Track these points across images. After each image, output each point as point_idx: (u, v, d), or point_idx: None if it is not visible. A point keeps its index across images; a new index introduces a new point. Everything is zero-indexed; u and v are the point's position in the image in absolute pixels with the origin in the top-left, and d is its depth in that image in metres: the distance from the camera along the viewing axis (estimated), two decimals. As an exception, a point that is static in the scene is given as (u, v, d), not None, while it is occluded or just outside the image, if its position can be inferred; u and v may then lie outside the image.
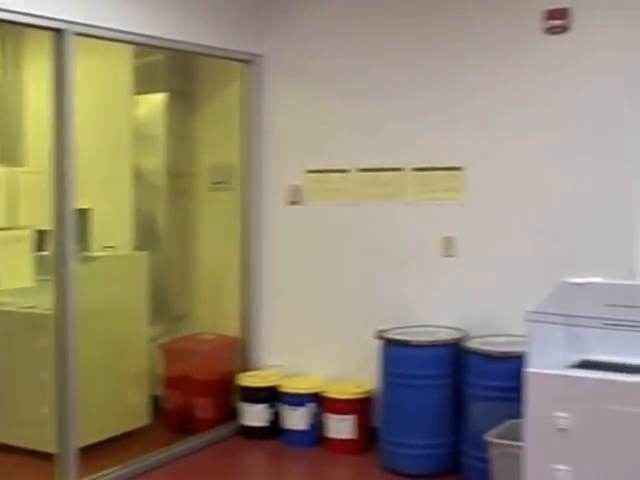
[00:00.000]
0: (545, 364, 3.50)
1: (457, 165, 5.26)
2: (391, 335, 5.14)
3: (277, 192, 5.92)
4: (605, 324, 3.60)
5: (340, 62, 5.63)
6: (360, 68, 5.56)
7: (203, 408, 5.79)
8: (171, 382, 5.88)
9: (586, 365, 3.63)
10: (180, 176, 6.32)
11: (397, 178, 5.49)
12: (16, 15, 4.23)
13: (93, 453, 4.94)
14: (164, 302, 6.18)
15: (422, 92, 5.35)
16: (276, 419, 5.65)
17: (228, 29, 5.63)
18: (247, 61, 5.86)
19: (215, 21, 5.52)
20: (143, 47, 5.40)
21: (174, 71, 6.26)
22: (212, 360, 5.96)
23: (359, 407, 5.41)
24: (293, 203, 5.87)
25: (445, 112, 5.28)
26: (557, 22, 4.92)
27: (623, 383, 3.38)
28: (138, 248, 5.93)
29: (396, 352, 5.08)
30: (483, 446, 4.29)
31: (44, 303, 5.03)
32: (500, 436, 4.24)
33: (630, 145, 4.70)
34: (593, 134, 4.81)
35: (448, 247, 5.31)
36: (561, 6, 4.88)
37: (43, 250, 5.69)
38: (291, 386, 5.60)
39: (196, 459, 5.32)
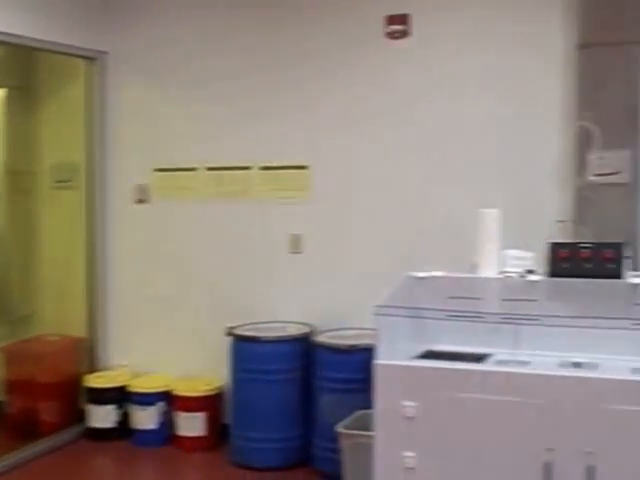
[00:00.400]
0: (392, 355, 3.64)
1: (303, 164, 5.38)
2: (240, 331, 5.19)
3: (123, 191, 5.84)
4: (448, 315, 3.80)
5: (186, 60, 5.63)
6: (208, 67, 5.57)
7: (48, 411, 5.63)
8: (13, 386, 5.69)
9: (431, 355, 3.81)
10: (20, 174, 6.11)
11: (245, 177, 5.55)
12: None
13: None
14: (5, 304, 5.97)
15: (268, 93, 5.43)
16: (125, 420, 5.58)
17: (71, 25, 5.50)
18: (91, 58, 5.74)
19: (57, 16, 5.37)
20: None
21: (13, 66, 6.03)
22: (57, 362, 5.81)
23: (209, 404, 5.43)
24: (140, 202, 5.81)
25: (291, 113, 5.39)
26: (398, 27, 5.12)
27: (465, 371, 3.56)
28: (-26, 249, 5.70)
29: (245, 348, 5.14)
30: (334, 437, 4.42)
31: None
32: (350, 427, 4.39)
33: (468, 147, 4.96)
34: (434, 135, 5.05)
35: (296, 244, 5.42)
36: (401, 12, 5.09)
37: None
38: (140, 385, 5.55)
39: (41, 464, 5.18)
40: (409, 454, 3.55)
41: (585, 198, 4.56)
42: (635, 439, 3.24)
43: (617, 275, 3.69)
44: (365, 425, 4.05)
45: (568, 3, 4.69)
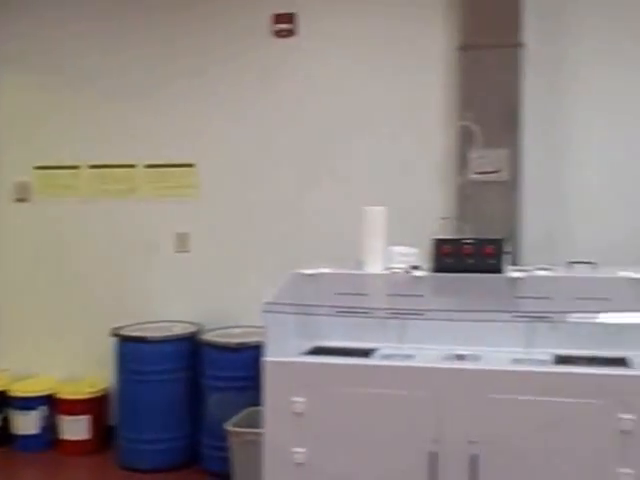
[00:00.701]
0: (281, 352, 3.65)
1: (189, 162, 5.33)
2: (126, 332, 5.10)
3: (1, 189, 5.64)
4: (335, 312, 3.83)
5: (68, 58, 5.49)
6: (90, 64, 5.45)
7: None
8: None
9: (319, 351, 3.84)
10: None
11: (130, 175, 5.45)
12: None
13: None
14: None
15: (154, 91, 5.35)
16: (6, 425, 5.39)
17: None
18: (-32, 51, 5.53)
19: None
20: None
21: None
22: None
23: (93, 407, 5.31)
24: (20, 200, 5.63)
25: (177, 111, 5.33)
26: (284, 26, 5.14)
27: (352, 366, 3.62)
28: None
29: (131, 349, 5.05)
30: (223, 436, 4.40)
31: None
32: (239, 424, 4.38)
33: (354, 145, 5.03)
34: (320, 133, 5.09)
35: (183, 243, 5.36)
36: (288, 11, 5.11)
37: None
38: (20, 390, 5.38)
39: None
40: (298, 450, 3.56)
41: (467, 196, 4.68)
42: (516, 427, 3.35)
43: (498, 270, 3.81)
44: (254, 422, 4.05)
45: (449, 6, 4.82)
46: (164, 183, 5.40)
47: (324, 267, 4.03)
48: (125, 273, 5.46)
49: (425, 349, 3.73)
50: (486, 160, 4.64)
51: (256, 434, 3.84)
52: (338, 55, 5.06)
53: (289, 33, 5.14)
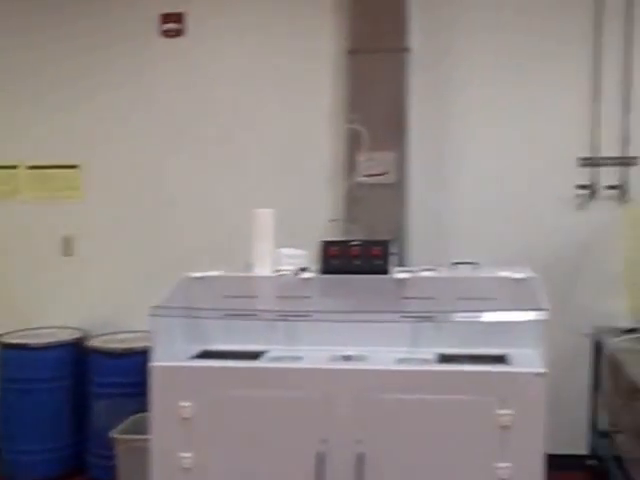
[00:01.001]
0: (169, 357, 3.61)
1: (73, 163, 5.20)
2: (7, 339, 4.94)
3: None
4: (224, 315, 3.80)
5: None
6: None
7: None
8: None
9: (207, 355, 3.80)
10: None
11: (11, 176, 5.28)
12: None
13: None
14: None
15: (37, 90, 5.22)
16: None
17: None
18: None
19: None
20: None
21: None
22: None
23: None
24: None
25: (62, 110, 5.21)
26: (173, 26, 5.09)
27: (240, 369, 3.59)
28: None
29: (12, 356, 4.90)
30: (109, 444, 4.31)
31: None
32: (125, 431, 4.30)
33: (243, 147, 5.02)
34: (208, 136, 5.06)
35: (68, 246, 5.23)
36: (176, 10, 5.06)
37: None
38: None
39: None
40: (186, 455, 3.52)
41: (355, 198, 4.73)
42: (401, 425, 3.41)
43: (384, 271, 3.87)
44: (141, 429, 3.97)
45: (337, 10, 4.87)
46: (48, 185, 5.25)
47: (212, 270, 4.01)
48: (8, 278, 5.29)
49: (313, 350, 3.73)
50: (374, 163, 4.70)
51: (143, 441, 3.77)
52: (227, 56, 5.04)
53: (177, 33, 5.08)
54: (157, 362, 3.55)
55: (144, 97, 5.11)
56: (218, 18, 5.05)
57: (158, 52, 5.10)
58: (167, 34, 5.09)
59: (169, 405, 3.53)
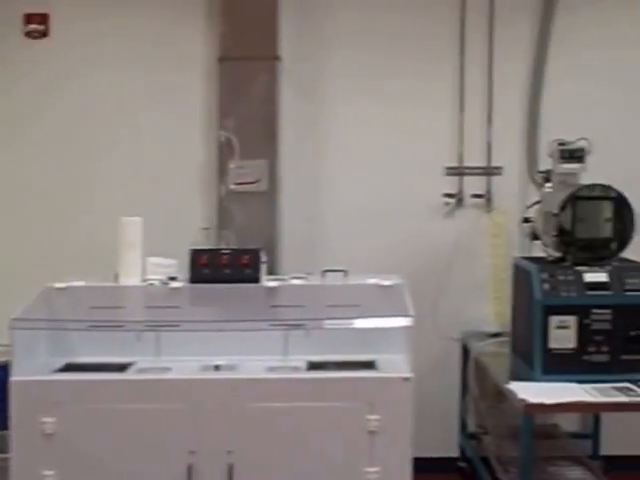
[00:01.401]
0: (31, 371, 3.48)
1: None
2: None
3: None
4: (90, 326, 3.69)
5: None
6: None
7: None
8: None
9: (71, 368, 3.68)
10: None
11: None
12: None
13: None
14: None
15: None
16: None
17: None
18: None
19: None
20: None
21: None
22: None
23: None
24: None
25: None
26: (37, 27, 4.92)
27: (104, 382, 3.51)
28: None
29: None
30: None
31: None
32: (-16, 450, 4.11)
33: (110, 155, 4.89)
34: (75, 141, 4.91)
35: None
36: (41, 11, 4.90)
37: None
38: None
39: None
40: (48, 472, 3.41)
41: (227, 206, 4.69)
42: (272, 434, 3.41)
43: (254, 279, 3.87)
44: (1, 447, 3.81)
45: (209, 16, 4.83)
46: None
47: (77, 280, 3.90)
48: None
49: (182, 361, 3.68)
50: (245, 170, 4.67)
51: (3, 460, 3.62)
52: (94, 58, 4.89)
53: (41, 34, 4.92)
54: (17, 377, 3.42)
55: (8, 100, 4.90)
56: (85, 19, 4.88)
57: (21, 54, 4.90)
58: (31, 35, 4.91)
59: (30, 421, 3.41)
